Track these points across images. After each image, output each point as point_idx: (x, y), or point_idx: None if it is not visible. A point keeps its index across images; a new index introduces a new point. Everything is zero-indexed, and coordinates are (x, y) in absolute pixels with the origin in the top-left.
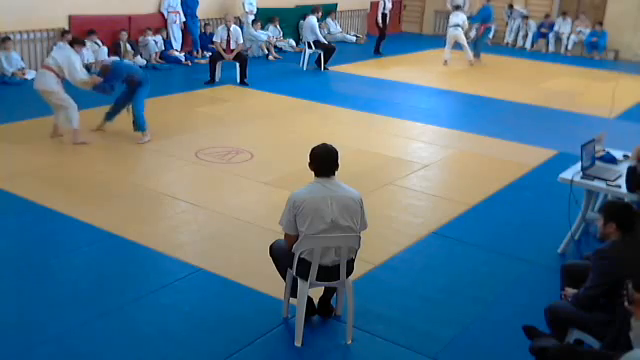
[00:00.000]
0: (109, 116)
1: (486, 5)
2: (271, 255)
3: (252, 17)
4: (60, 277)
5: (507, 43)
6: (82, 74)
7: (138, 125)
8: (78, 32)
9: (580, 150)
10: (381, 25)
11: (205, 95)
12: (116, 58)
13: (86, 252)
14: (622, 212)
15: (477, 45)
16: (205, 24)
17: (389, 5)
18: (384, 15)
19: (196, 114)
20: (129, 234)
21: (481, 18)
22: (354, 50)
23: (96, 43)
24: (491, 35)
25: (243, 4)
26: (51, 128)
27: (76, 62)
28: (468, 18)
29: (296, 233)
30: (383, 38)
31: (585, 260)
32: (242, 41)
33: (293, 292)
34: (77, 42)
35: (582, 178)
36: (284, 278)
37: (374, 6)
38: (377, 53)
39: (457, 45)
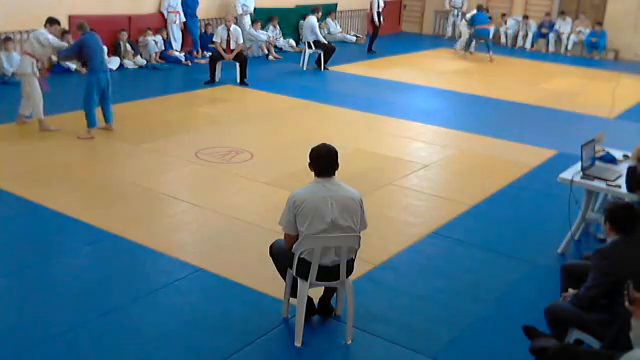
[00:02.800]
0: (105, 117)
1: (478, 12)
2: (271, 255)
3: (247, 17)
4: (60, 277)
5: (503, 43)
6: (53, 40)
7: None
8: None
9: (580, 150)
10: (377, 24)
11: (205, 95)
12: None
13: (86, 252)
14: (623, 212)
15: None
16: (205, 24)
17: (382, 4)
18: (379, 14)
19: (196, 114)
20: (129, 234)
21: (472, 22)
22: (354, 50)
23: None
24: (491, 36)
25: (235, 6)
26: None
27: (42, 35)
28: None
29: (296, 233)
30: (375, 37)
31: (585, 260)
32: (242, 41)
33: (293, 292)
34: (50, 21)
35: (582, 178)
36: (284, 278)
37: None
38: (371, 51)
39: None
